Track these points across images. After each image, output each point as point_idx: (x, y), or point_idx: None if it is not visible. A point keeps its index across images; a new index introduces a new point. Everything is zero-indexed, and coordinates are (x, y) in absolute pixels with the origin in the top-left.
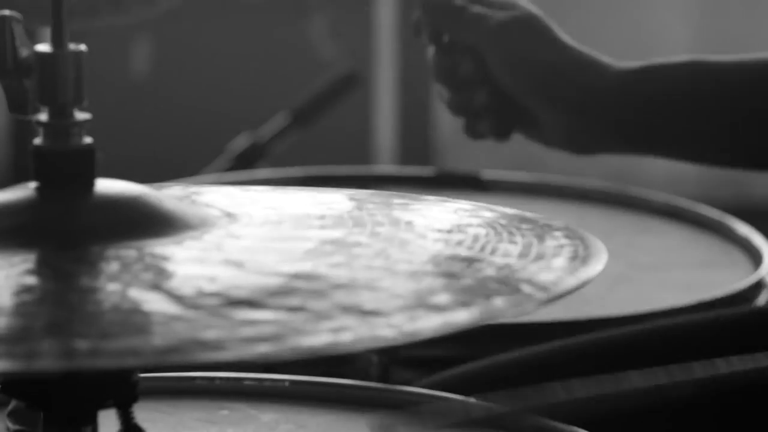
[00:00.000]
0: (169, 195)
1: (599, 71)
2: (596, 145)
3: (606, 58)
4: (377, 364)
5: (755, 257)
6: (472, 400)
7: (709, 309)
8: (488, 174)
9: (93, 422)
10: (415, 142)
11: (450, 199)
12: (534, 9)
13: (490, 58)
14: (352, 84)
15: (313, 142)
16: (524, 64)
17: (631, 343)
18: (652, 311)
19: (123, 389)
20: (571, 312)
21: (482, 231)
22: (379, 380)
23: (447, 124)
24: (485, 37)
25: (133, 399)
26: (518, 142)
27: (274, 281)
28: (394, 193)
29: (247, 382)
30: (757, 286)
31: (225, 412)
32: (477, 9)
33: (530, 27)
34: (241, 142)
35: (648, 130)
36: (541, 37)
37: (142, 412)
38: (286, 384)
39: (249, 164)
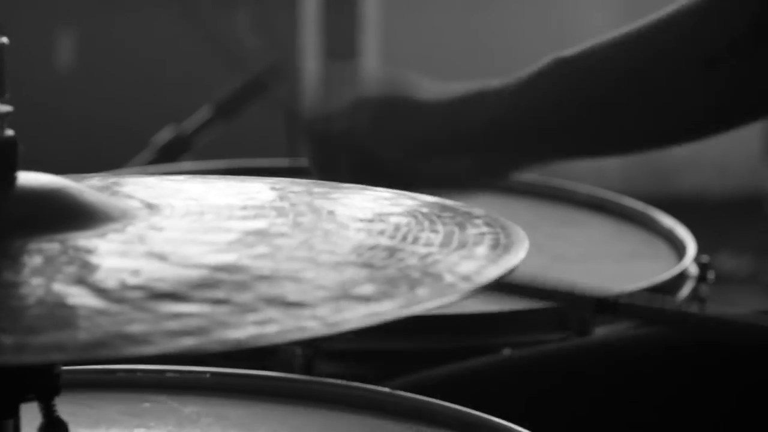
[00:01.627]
0: (90, 187)
1: (471, 110)
2: (506, 166)
3: (474, 84)
4: (300, 356)
5: (679, 249)
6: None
7: (631, 300)
8: None
9: (15, 415)
10: None
11: (370, 187)
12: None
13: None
14: (275, 77)
15: (237, 135)
16: (398, 145)
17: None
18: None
19: (45, 382)
20: (497, 304)
21: (403, 220)
22: (302, 372)
23: None
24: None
25: (55, 392)
26: None
27: (197, 273)
28: (315, 181)
29: (168, 375)
30: (681, 278)
31: (147, 404)
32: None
33: (388, 109)
34: (165, 135)
35: (540, 138)
36: (402, 111)
37: (65, 406)
38: (208, 376)
39: (173, 157)
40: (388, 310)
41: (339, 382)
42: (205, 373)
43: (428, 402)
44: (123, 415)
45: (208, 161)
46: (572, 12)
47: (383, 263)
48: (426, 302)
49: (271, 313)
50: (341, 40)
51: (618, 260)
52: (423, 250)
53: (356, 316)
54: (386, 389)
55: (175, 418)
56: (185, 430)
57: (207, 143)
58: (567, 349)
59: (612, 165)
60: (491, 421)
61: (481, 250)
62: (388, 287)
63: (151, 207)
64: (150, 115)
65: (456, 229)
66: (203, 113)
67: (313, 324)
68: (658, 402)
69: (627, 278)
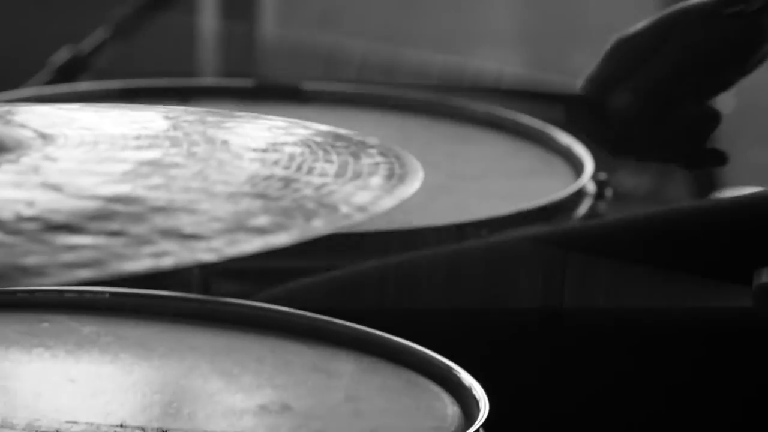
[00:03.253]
0: None
1: None
2: None
3: None
4: (198, 276)
5: (577, 167)
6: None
7: (529, 219)
8: (308, 85)
9: None
10: (239, 53)
11: (263, 116)
12: None
13: None
14: None
15: (134, 54)
16: None
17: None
18: (472, 221)
19: None
20: (392, 222)
21: (298, 150)
22: (200, 292)
23: (270, 33)
24: None
25: None
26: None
27: (92, 205)
28: (208, 109)
29: (67, 295)
30: (579, 195)
31: (46, 324)
32: None
33: None
34: (62, 55)
35: None
36: None
37: None
38: (107, 296)
39: (70, 77)
40: (284, 241)
41: (236, 301)
42: (103, 293)
43: (324, 320)
44: (21, 335)
45: (104, 81)
46: (473, 6)
47: (278, 194)
48: (321, 233)
49: (167, 245)
50: None
51: (515, 178)
52: (318, 181)
53: (252, 248)
54: (283, 307)
55: (74, 337)
56: (84, 350)
57: (104, 63)
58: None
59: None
60: (383, 337)
61: (376, 180)
62: (284, 218)
63: (45, 137)
64: (47, 35)
65: (350, 160)
66: (100, 33)
67: (208, 256)
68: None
69: (524, 196)
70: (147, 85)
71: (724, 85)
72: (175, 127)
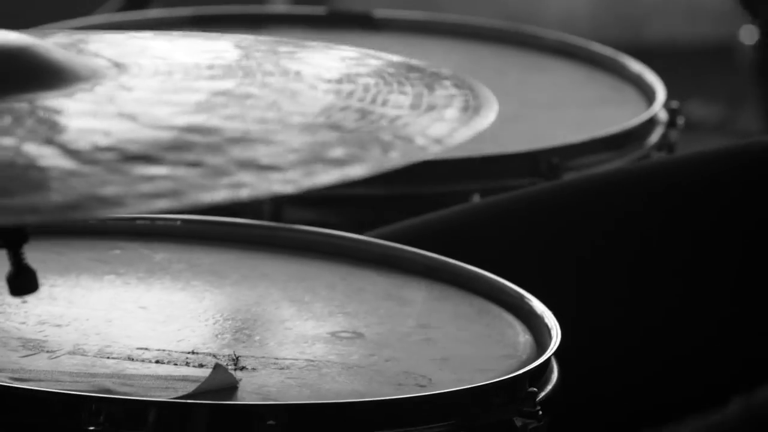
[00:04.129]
0: (56, 45)
1: None
2: None
3: None
4: (270, 203)
5: (648, 95)
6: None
7: (602, 146)
8: (380, 13)
9: None
10: None
11: (335, 46)
12: None
13: None
14: None
15: None
16: None
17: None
18: (545, 148)
19: (12, 230)
20: (465, 150)
21: (371, 81)
22: (271, 219)
23: None
24: None
25: (23, 239)
26: None
27: (168, 135)
28: (280, 39)
29: (139, 222)
30: (650, 123)
31: (117, 251)
32: None
33: None
34: None
35: None
36: None
37: (34, 253)
38: (179, 223)
39: (141, 5)
40: (361, 173)
41: (308, 228)
42: (175, 220)
43: (396, 248)
44: (93, 262)
45: (176, 8)
46: None
47: (353, 125)
48: (397, 165)
49: (244, 176)
50: None
51: (586, 106)
52: (393, 113)
53: (328, 179)
54: (355, 235)
55: (146, 264)
56: (155, 277)
57: None
58: (537, 193)
59: (581, 11)
60: (455, 265)
61: (451, 112)
62: (360, 150)
63: (118, 66)
64: None
65: (425, 91)
66: None
67: (285, 188)
68: (633, 242)
69: (595, 124)
70: (218, 12)
71: None
72: (247, 57)
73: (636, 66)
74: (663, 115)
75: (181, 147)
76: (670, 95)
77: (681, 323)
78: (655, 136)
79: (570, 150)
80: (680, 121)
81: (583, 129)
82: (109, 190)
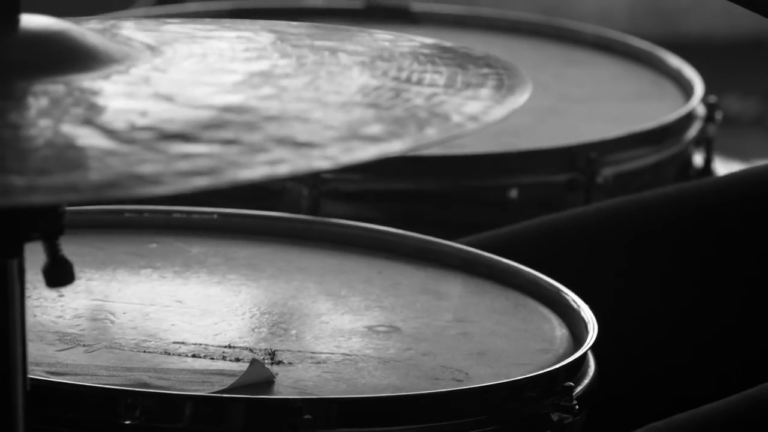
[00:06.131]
0: (91, 29)
1: None
2: None
3: None
4: (307, 197)
5: (686, 89)
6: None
7: (640, 141)
8: (417, 6)
9: (19, 255)
10: None
11: (369, 30)
12: None
13: None
14: None
15: None
16: None
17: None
18: (582, 143)
19: (49, 221)
20: (502, 145)
21: (405, 61)
22: (308, 213)
23: None
24: None
25: (59, 231)
26: None
27: (205, 114)
28: (315, 24)
29: (176, 215)
30: (688, 118)
31: (154, 245)
32: None
33: None
34: None
35: None
36: None
37: (71, 246)
38: (215, 217)
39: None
40: (398, 149)
41: (345, 222)
42: (212, 213)
43: (432, 242)
44: (129, 256)
45: (213, 2)
46: None
47: (389, 103)
48: (434, 141)
49: (282, 153)
50: None
51: (624, 100)
52: (428, 91)
53: (367, 156)
54: (392, 229)
55: (182, 258)
56: (192, 271)
57: None
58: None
59: (617, 4)
60: (492, 258)
61: (486, 91)
62: (397, 127)
63: (152, 49)
64: None
65: (459, 70)
66: None
67: (324, 164)
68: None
69: (633, 119)
70: (257, 6)
71: None
72: (282, 40)
73: (674, 60)
74: (701, 110)
75: (218, 125)
76: (707, 89)
77: (711, 318)
78: (693, 131)
79: (607, 145)
80: (718, 115)
81: (621, 124)
82: (146, 168)
